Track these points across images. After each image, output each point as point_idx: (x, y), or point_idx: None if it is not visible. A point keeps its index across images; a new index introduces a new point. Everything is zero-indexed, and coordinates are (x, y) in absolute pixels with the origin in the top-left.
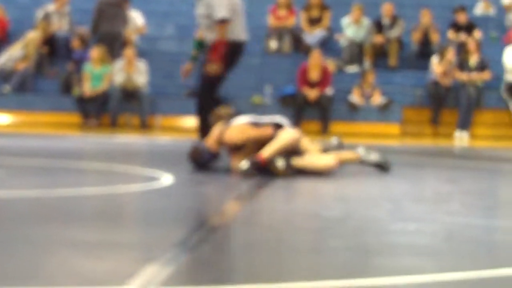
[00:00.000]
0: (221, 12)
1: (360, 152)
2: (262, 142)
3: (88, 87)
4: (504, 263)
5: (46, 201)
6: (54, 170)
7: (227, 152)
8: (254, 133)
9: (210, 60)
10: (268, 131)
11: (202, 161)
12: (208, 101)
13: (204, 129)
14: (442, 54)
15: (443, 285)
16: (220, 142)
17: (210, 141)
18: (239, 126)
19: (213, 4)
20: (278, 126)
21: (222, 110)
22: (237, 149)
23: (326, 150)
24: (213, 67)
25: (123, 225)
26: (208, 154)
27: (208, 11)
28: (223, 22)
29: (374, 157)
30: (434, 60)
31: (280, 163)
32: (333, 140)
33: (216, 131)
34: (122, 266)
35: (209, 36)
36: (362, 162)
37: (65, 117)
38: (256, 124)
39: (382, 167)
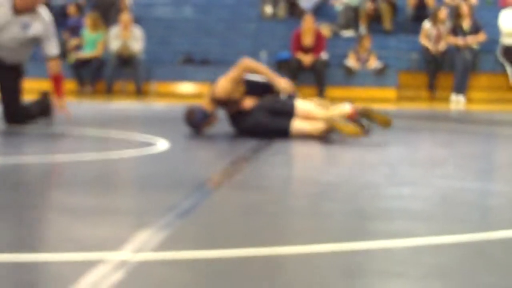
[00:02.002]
0: None
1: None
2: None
3: (83, 53)
4: (496, 226)
5: (42, 167)
6: (49, 136)
7: (224, 109)
8: (232, 73)
9: None
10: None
11: (197, 121)
12: None
13: None
14: (435, 16)
15: (436, 248)
16: (213, 100)
17: (204, 101)
18: (223, 78)
19: None
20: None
21: None
22: (231, 102)
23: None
24: None
25: (117, 190)
26: (202, 114)
27: None
28: None
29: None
30: (426, 25)
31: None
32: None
33: (208, 90)
34: (116, 232)
35: None
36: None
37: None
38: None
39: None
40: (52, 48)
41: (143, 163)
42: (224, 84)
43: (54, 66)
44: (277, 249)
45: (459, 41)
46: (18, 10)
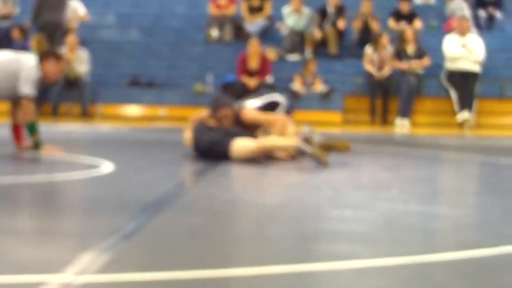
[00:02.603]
0: None
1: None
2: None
3: None
4: (439, 248)
5: None
6: None
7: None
8: (265, 119)
9: None
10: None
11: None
12: None
13: None
14: (376, 42)
15: (378, 270)
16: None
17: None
18: (252, 110)
19: None
20: (274, 105)
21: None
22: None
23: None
24: None
25: (61, 213)
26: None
27: None
28: None
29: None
30: (368, 50)
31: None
32: (305, 129)
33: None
34: (58, 254)
35: None
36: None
37: (5, 106)
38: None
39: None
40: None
41: (88, 185)
42: (253, 116)
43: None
44: (222, 271)
45: (403, 65)
46: None
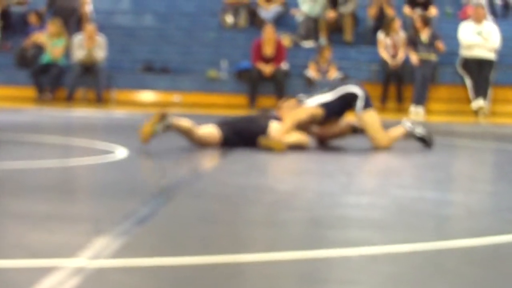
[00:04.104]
0: None
1: (407, 125)
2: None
3: (45, 59)
4: (452, 235)
5: (0, 173)
6: (9, 143)
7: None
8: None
9: None
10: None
11: (267, 123)
12: None
13: None
14: (388, 27)
15: (390, 256)
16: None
17: (283, 111)
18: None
19: None
20: (351, 97)
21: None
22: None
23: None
24: None
25: (75, 198)
26: (276, 118)
27: None
28: None
29: (419, 131)
30: (380, 36)
31: None
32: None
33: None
34: (72, 239)
35: None
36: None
37: (20, 91)
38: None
39: (426, 141)
40: None
41: (102, 170)
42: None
43: None
44: (235, 257)
45: (414, 59)
46: None
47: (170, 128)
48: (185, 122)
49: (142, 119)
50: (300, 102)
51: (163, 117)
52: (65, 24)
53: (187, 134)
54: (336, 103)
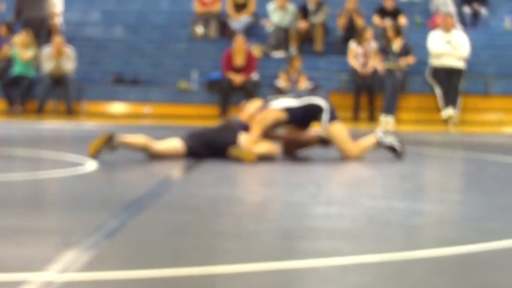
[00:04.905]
0: None
1: (378, 135)
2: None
3: (15, 72)
4: (422, 245)
5: None
6: None
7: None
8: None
9: None
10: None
11: (234, 133)
12: None
13: None
14: (360, 36)
15: (360, 267)
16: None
17: (244, 115)
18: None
19: None
20: (316, 109)
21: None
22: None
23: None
24: None
25: (45, 211)
26: (241, 125)
27: None
28: None
29: (390, 140)
30: (352, 44)
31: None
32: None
33: (252, 107)
34: (41, 252)
35: None
36: (379, 145)
37: None
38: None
39: (396, 151)
40: None
41: (71, 183)
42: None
43: None
44: (205, 269)
45: (380, 68)
46: None
47: (117, 148)
48: (138, 139)
49: (113, 131)
50: (266, 103)
51: (109, 139)
52: (35, 36)
53: (143, 150)
54: (300, 112)
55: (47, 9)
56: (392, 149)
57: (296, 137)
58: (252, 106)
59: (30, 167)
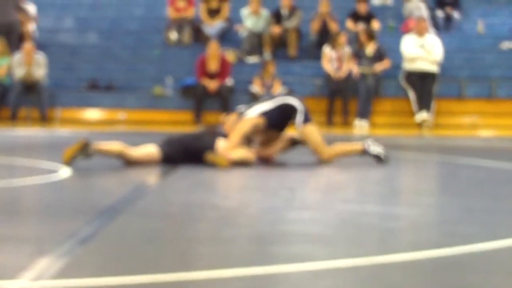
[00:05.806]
0: None
1: (366, 143)
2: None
3: None
4: (396, 249)
5: None
6: None
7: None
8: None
9: None
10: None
11: (213, 138)
12: None
13: None
14: (334, 40)
15: (334, 271)
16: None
17: (227, 126)
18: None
19: None
20: (290, 109)
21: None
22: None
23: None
24: None
25: (18, 218)
26: (223, 133)
27: None
28: None
29: (375, 149)
30: (326, 49)
31: None
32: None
33: (232, 119)
34: (14, 260)
35: None
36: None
37: None
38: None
39: (381, 160)
40: None
41: (45, 190)
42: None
43: None
44: (180, 275)
45: (355, 72)
46: None
47: (92, 155)
48: (114, 146)
49: (87, 137)
50: (240, 114)
51: (84, 147)
52: (7, 41)
53: (118, 157)
54: (275, 112)
55: (15, 15)
56: (377, 157)
57: (272, 150)
58: (229, 120)
59: (3, 174)
